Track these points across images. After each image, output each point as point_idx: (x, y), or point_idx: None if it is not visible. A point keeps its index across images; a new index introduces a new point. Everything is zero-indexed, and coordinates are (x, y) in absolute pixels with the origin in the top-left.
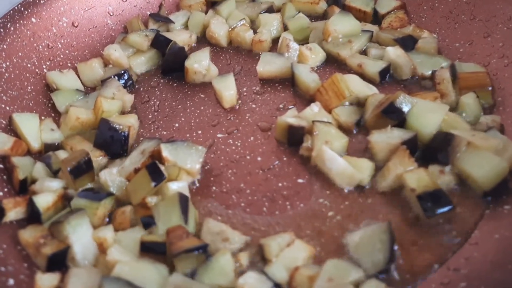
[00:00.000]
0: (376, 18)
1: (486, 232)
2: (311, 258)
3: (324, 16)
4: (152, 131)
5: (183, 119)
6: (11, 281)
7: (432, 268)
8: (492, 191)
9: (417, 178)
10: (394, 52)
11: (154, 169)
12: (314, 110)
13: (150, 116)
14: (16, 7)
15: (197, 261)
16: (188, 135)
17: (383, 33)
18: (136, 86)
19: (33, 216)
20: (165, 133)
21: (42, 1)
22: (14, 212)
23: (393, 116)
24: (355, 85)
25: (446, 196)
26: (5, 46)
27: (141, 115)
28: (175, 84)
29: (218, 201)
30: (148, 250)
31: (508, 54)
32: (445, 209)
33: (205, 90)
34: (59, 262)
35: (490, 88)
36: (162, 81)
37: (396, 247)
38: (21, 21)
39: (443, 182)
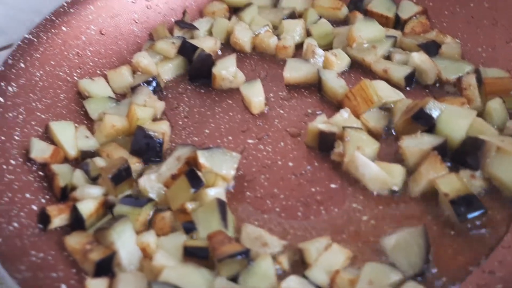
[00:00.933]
0: (398, 23)
1: None
2: (349, 261)
3: (346, 21)
4: (183, 137)
5: (212, 125)
6: (63, 287)
7: (466, 271)
8: None
9: (449, 183)
10: (419, 58)
11: (193, 176)
12: (344, 116)
13: (180, 123)
14: (48, 17)
15: (240, 266)
16: (219, 141)
17: (406, 38)
18: (164, 93)
19: (76, 223)
20: (196, 139)
21: (71, 10)
22: (59, 219)
23: (422, 121)
24: (383, 91)
25: (478, 200)
26: (38, 55)
27: (171, 121)
28: (202, 90)
29: (253, 206)
30: (192, 254)
31: None
32: (478, 213)
33: (232, 96)
34: (106, 267)
35: None
36: (189, 87)
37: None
38: (53, 30)
39: (474, 187)
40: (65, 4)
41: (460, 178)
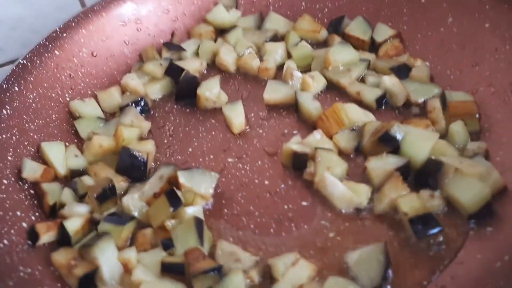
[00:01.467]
0: (373, 45)
1: (470, 252)
2: (314, 276)
3: (325, 43)
4: (167, 155)
5: (196, 144)
6: None
7: (421, 285)
8: (476, 214)
9: (409, 202)
10: (390, 81)
11: (173, 196)
12: (317, 137)
13: (165, 141)
14: (41, 41)
15: (212, 281)
16: (201, 159)
17: (379, 61)
18: (152, 112)
19: (63, 239)
20: (180, 157)
21: (64, 34)
22: (47, 235)
23: (388, 143)
24: (353, 113)
25: (435, 219)
26: (32, 79)
27: (157, 140)
28: (187, 110)
29: (229, 223)
30: (168, 270)
31: (495, 83)
32: (435, 230)
33: (215, 115)
34: (89, 282)
35: (477, 116)
36: (175, 107)
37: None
38: (46, 54)
39: (433, 206)
40: (58, 29)
41: (420, 197)
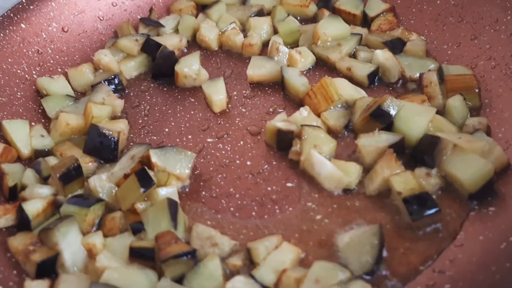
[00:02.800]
0: (366, 20)
1: (471, 234)
2: (298, 260)
3: (314, 18)
4: (142, 136)
5: (173, 123)
6: None
7: (417, 271)
8: (477, 193)
9: (404, 181)
10: (383, 55)
11: (143, 175)
12: (303, 114)
13: (140, 121)
14: (5, 13)
15: (186, 266)
16: (178, 140)
17: (372, 36)
18: (127, 91)
19: (22, 223)
20: (155, 138)
21: (31, 7)
22: (4, 219)
23: (380, 119)
24: (343, 89)
25: (432, 199)
26: None
27: (131, 120)
28: (165, 89)
29: (207, 206)
30: (137, 256)
31: (495, 56)
32: (431, 211)
33: (195, 94)
34: (49, 269)
35: (477, 90)
36: (152, 85)
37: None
38: (11, 27)
39: (430, 185)
40: (24, 1)
41: (415, 176)
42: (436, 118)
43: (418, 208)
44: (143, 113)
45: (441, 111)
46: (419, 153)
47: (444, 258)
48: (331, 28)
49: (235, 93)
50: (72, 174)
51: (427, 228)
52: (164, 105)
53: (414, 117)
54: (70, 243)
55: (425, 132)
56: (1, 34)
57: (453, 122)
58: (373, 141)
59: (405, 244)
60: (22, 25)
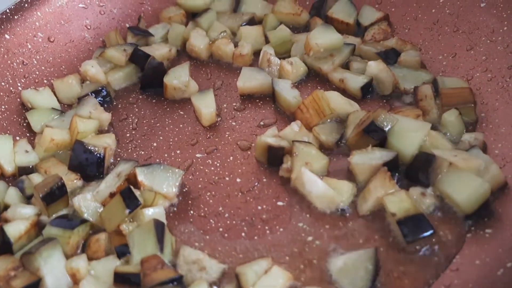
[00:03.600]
0: (359, 29)
1: (467, 257)
2: (289, 285)
3: (307, 27)
4: (129, 150)
5: (161, 138)
6: None
7: None
8: (474, 214)
9: (398, 201)
10: (376, 67)
11: (129, 195)
12: (295, 129)
13: (128, 135)
14: None
15: None
16: (166, 155)
17: (365, 46)
18: (114, 103)
19: (3, 246)
20: (143, 152)
21: (16, 17)
22: None
23: (374, 135)
24: (336, 103)
25: (427, 220)
26: None
27: (118, 133)
28: (154, 101)
29: (195, 226)
30: (122, 281)
31: (491, 68)
32: (426, 234)
33: (184, 106)
34: None
35: (473, 105)
36: (141, 97)
37: None
38: None
39: (425, 205)
40: (8, 11)
41: (410, 196)
42: (431, 134)
43: (413, 230)
44: (131, 126)
45: (436, 125)
46: (414, 170)
47: (439, 283)
48: (323, 38)
49: (225, 105)
50: (56, 194)
51: (422, 250)
52: (152, 118)
53: (408, 133)
54: (53, 268)
55: (419, 148)
56: None
57: (448, 138)
58: (367, 159)
59: (399, 267)
60: (7, 36)
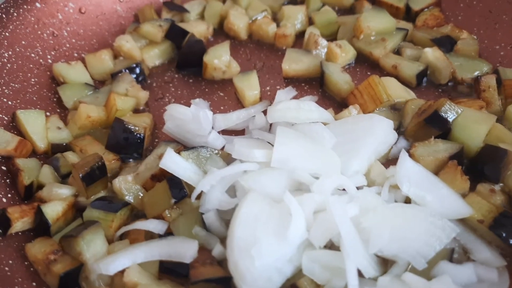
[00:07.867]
0: (409, 14)
1: None
2: None
3: (352, 10)
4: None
5: None
6: None
7: None
8: None
9: (475, 204)
10: (433, 54)
11: (176, 184)
12: (353, 113)
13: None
14: None
15: None
16: None
17: (418, 31)
18: (149, 81)
19: (41, 228)
20: None
21: None
22: (21, 222)
23: (437, 125)
24: (393, 89)
25: None
26: (7, 34)
27: (154, 113)
28: (191, 80)
29: None
30: (168, 271)
31: None
32: None
33: (224, 88)
34: (72, 281)
35: None
36: (176, 76)
37: None
38: (25, 6)
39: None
40: None
41: (481, 194)
42: (496, 126)
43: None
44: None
45: (499, 119)
46: (480, 165)
47: None
48: (375, 21)
49: (268, 88)
50: (96, 174)
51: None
52: (190, 98)
53: (473, 125)
54: (96, 253)
55: (484, 142)
56: (15, 14)
57: None
58: (431, 151)
59: None
60: (37, 4)
